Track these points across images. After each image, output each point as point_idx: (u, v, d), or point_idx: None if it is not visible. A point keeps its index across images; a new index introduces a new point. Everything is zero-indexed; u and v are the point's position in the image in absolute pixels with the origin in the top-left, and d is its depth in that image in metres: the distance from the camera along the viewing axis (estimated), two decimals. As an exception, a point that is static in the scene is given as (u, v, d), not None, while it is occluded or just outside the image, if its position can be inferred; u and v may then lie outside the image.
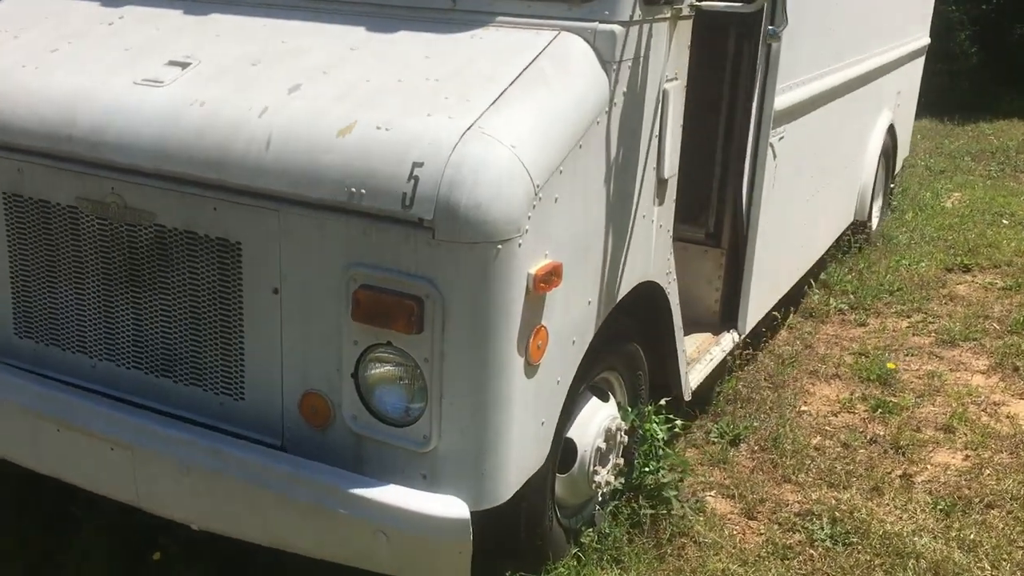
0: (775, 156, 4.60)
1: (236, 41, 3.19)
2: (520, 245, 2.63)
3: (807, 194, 5.37)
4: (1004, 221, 8.12)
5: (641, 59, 3.10)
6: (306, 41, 3.12)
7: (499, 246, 2.58)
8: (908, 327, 5.90)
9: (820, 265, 6.28)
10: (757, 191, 4.49)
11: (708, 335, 4.62)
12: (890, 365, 5.19)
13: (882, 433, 4.62)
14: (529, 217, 2.64)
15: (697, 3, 3.22)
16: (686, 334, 4.64)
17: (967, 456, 4.46)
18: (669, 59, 3.28)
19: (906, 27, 7.18)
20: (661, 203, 3.46)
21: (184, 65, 3.09)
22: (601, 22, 2.95)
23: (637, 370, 3.74)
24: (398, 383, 2.75)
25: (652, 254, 3.48)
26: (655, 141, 3.30)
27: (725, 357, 4.56)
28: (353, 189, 2.63)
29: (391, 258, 2.63)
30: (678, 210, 4.65)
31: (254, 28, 3.25)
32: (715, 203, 4.60)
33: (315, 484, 2.71)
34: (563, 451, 3.39)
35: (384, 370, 2.75)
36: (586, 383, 3.41)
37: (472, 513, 2.73)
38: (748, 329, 4.77)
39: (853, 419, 4.77)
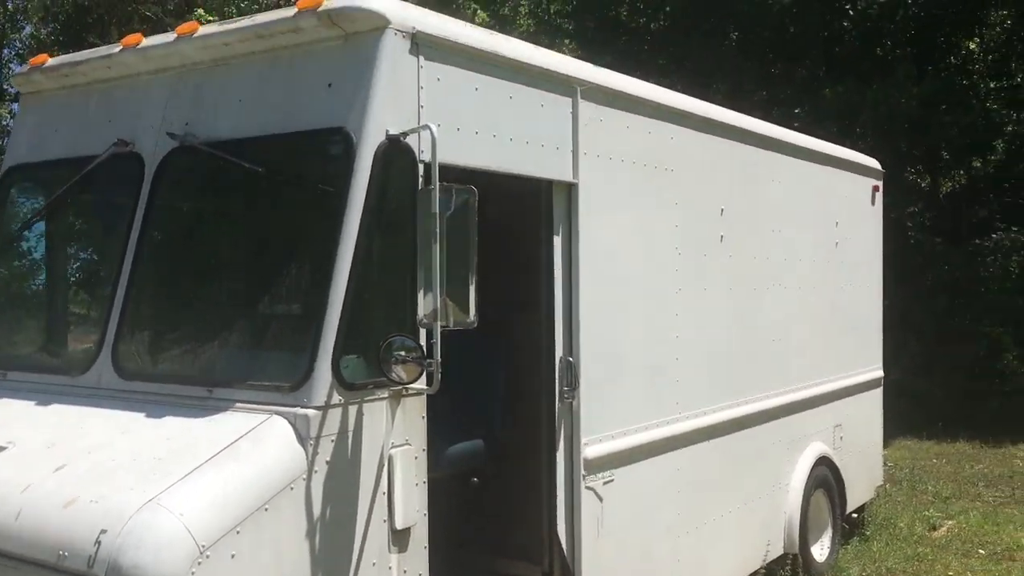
0: (600, 499, 5.07)
1: (52, 426, 4.02)
2: (183, 597, 3.21)
3: (679, 530, 5.71)
4: (981, 551, 8.04)
5: (350, 433, 3.75)
6: (95, 425, 3.92)
7: (158, 598, 3.16)
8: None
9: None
10: (577, 532, 4.94)
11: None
12: None
13: None
14: (193, 572, 3.22)
15: (397, 386, 3.87)
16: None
17: None
18: (394, 429, 3.92)
19: (835, 366, 7.63)
20: (403, 550, 3.97)
21: (2, 449, 3.91)
22: (301, 407, 3.65)
23: None
24: None
25: (397, 598, 3.96)
26: (382, 497, 3.87)
27: None
28: (60, 552, 3.30)
29: (85, 609, 3.25)
30: (516, 549, 5.19)
31: (72, 415, 4.09)
32: (547, 542, 5.04)
33: None
34: None
35: None
36: None
37: None
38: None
39: None
